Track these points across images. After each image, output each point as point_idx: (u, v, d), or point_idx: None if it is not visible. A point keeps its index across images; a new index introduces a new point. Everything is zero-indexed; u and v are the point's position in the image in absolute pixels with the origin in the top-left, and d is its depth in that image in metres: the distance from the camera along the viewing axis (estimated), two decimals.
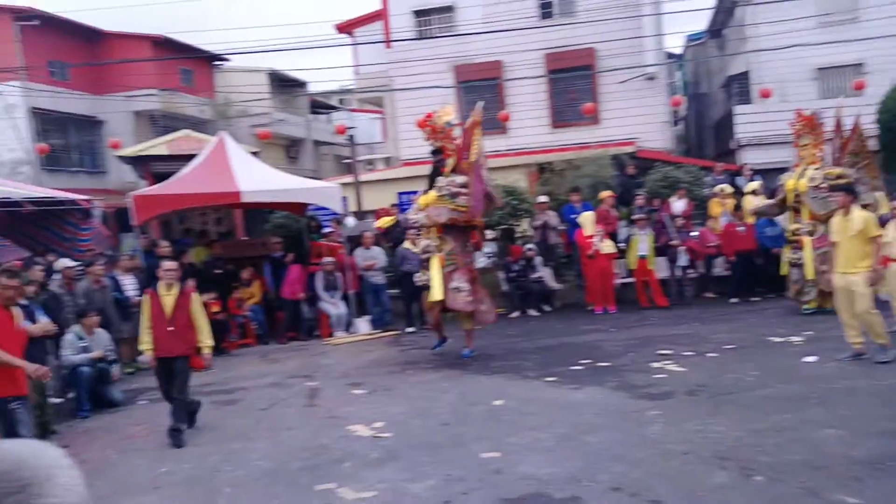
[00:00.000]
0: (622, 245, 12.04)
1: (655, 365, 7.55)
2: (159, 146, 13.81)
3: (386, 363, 9.14)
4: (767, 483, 4.27)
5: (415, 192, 10.03)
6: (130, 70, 23.49)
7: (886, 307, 7.17)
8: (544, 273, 12.05)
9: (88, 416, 7.51)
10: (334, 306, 11.29)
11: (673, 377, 7.04)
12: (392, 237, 12.22)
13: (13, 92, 21.73)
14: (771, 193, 11.23)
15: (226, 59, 27.47)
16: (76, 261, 9.12)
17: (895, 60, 17.13)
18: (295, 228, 13.11)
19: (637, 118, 17.87)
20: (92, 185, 22.17)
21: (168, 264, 6.60)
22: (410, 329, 10.98)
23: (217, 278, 11.02)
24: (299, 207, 12.55)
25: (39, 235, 10.18)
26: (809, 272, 9.47)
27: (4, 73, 20.73)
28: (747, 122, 18.24)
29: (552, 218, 12.43)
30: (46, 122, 23.36)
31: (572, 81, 18.86)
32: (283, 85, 30.88)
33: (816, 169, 9.44)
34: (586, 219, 11.60)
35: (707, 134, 25.38)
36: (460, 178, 8.54)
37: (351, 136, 16.62)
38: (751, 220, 11.34)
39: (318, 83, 32.51)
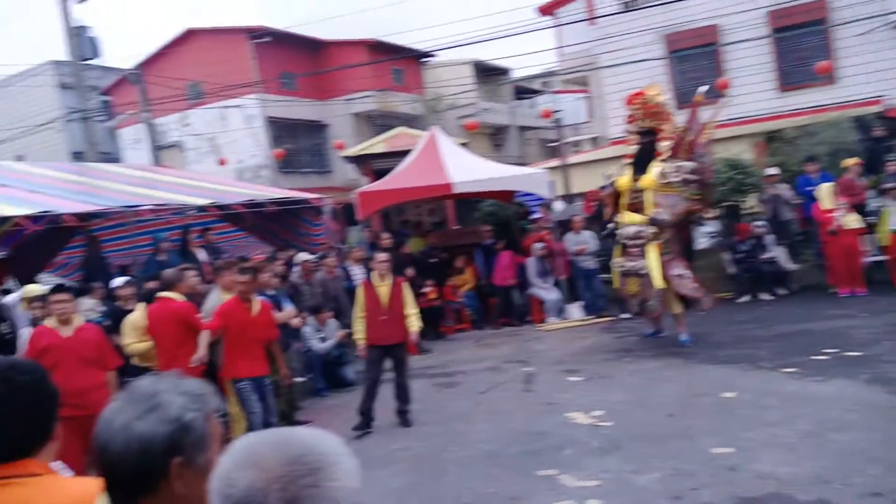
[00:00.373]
0: (872, 219, 10.57)
1: None
2: (377, 144, 14.71)
3: (601, 350, 8.92)
4: None
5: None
6: (349, 75, 25.33)
7: None
8: (777, 252, 10.98)
9: (327, 395, 8.25)
10: (547, 292, 11.27)
11: None
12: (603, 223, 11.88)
13: (252, 104, 24.50)
14: None
15: (433, 56, 28.58)
16: (312, 254, 9.99)
17: None
18: (504, 216, 13.28)
19: (883, 73, 15.61)
20: (320, 185, 24.30)
21: (381, 256, 6.84)
22: (625, 315, 10.61)
23: (433, 267, 11.52)
24: (507, 195, 12.71)
25: (280, 232, 11.33)
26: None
27: (244, 88, 23.44)
28: None
29: (784, 191, 11.30)
30: (279, 128, 26.00)
31: (802, 39, 16.95)
32: (487, 74, 31.44)
33: None
34: (825, 191, 10.35)
35: None
36: (689, 164, 8.10)
37: (557, 119, 16.41)
38: None
39: (521, 69, 32.54)
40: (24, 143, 23.87)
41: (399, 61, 27.78)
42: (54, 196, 8.43)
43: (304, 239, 11.01)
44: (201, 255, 9.69)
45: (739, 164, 11.89)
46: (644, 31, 17.57)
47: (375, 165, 14.12)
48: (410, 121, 25.44)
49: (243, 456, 1.01)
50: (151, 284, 7.18)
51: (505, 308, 11.58)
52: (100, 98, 26.43)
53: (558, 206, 13.38)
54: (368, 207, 11.19)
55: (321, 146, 27.79)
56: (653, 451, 5.04)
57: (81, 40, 14.85)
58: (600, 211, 11.74)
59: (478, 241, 12.39)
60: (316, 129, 27.54)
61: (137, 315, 6.31)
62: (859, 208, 10.51)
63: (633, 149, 8.83)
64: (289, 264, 9.95)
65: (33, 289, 7.18)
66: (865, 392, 5.76)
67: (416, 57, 28.61)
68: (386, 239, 10.67)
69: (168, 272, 6.49)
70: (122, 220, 8.45)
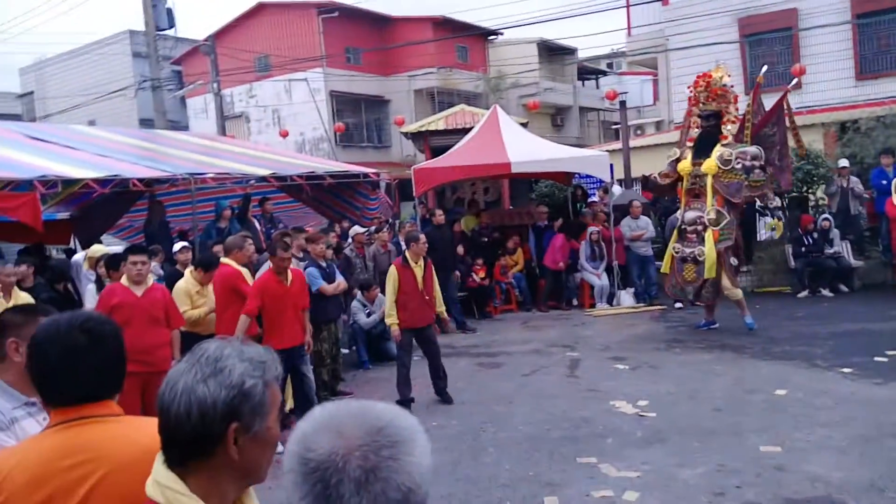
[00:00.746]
0: None
1: None
2: (437, 121, 14.67)
3: (650, 339, 8.75)
4: None
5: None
6: (413, 52, 25.29)
7: None
8: (842, 248, 10.52)
9: (370, 368, 8.36)
10: (597, 277, 11.09)
11: None
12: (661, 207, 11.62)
13: (316, 78, 24.76)
14: None
15: (499, 34, 28.24)
16: (365, 228, 10.08)
17: None
18: (559, 197, 13.09)
19: None
20: (378, 159, 24.48)
21: (422, 237, 6.74)
22: (679, 305, 10.36)
23: (484, 245, 11.47)
24: (566, 176, 12.52)
25: (336, 204, 11.46)
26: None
27: (310, 62, 23.70)
28: None
29: (855, 184, 10.79)
30: (341, 103, 26.25)
31: (885, 26, 16.05)
32: (552, 53, 30.93)
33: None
34: None
35: None
36: (752, 150, 7.89)
37: (622, 102, 16.01)
38: None
39: (587, 49, 31.92)
40: (96, 109, 24.78)
41: (465, 39, 27.57)
42: (123, 160, 8.73)
43: (359, 212, 11.12)
44: (257, 224, 9.90)
45: (810, 155, 11.40)
46: (718, 13, 16.96)
47: (434, 142, 14.10)
48: (471, 99, 25.28)
49: (324, 422, 1.02)
50: (216, 248, 7.37)
51: (554, 291, 11.46)
52: (171, 68, 27.18)
53: (616, 190, 13.11)
54: (425, 184, 11.19)
55: (381, 121, 27.95)
56: (697, 446, 4.93)
57: (158, 11, 15.25)
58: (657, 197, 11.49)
59: (531, 223, 12.27)
60: (377, 104, 27.67)
61: (184, 281, 6.45)
62: None
63: (694, 132, 8.63)
64: (342, 236, 10.07)
65: (98, 249, 7.44)
66: None
67: (482, 35, 28.34)
68: (439, 216, 10.67)
69: (231, 238, 6.63)
70: (186, 187, 8.68)
